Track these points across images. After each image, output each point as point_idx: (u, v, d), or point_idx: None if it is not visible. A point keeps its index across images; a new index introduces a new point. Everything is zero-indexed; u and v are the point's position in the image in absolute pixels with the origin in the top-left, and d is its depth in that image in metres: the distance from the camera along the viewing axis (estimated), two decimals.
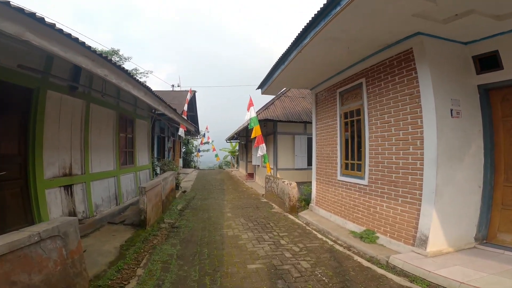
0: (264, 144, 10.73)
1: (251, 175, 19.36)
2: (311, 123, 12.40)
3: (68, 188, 5.20)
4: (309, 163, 12.76)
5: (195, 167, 28.41)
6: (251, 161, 20.38)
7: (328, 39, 4.82)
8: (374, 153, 5.29)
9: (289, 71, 6.67)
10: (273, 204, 9.16)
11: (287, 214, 7.85)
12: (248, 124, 11.35)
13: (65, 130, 5.19)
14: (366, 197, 5.54)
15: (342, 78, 6.57)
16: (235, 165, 28.76)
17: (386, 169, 4.95)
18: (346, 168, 6.40)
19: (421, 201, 4.23)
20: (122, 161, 7.54)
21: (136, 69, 24.83)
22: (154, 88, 24.13)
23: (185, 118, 13.09)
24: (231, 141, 26.78)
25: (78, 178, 5.48)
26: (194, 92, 22.24)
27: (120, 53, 22.39)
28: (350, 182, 6.14)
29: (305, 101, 13.57)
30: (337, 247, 5.22)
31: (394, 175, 4.76)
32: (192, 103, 22.88)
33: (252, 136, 10.72)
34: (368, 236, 5.21)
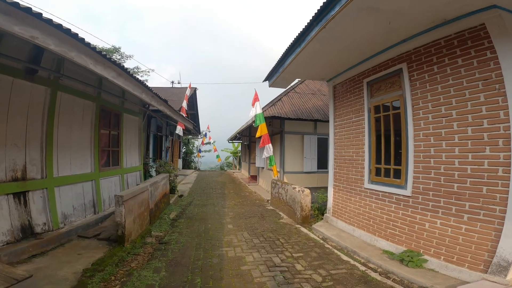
0: (270, 145, 9.50)
1: (254, 178, 18.15)
2: (323, 121, 11.20)
3: (21, 196, 4.00)
4: (320, 166, 11.54)
5: (195, 168, 27.23)
6: (255, 163, 19.18)
7: (365, 9, 3.65)
8: (423, 156, 4.04)
9: (305, 56, 5.48)
10: (280, 213, 7.92)
11: (299, 226, 6.61)
12: (253, 121, 10.14)
13: (17, 123, 4.00)
14: (407, 210, 4.30)
15: (372, 64, 5.35)
16: (237, 167, 27.54)
17: (442, 177, 3.71)
18: (377, 174, 5.17)
19: (503, 219, 3.03)
20: (104, 162, 6.35)
21: (137, 67, 24.04)
22: (156, 87, 23.06)
23: (184, 115, 11.90)
24: (233, 141, 25.58)
25: (36, 183, 4.28)
26: (195, 88, 21.07)
27: (122, 50, 21.48)
28: (383, 192, 4.90)
29: (316, 97, 12.33)
30: (372, 273, 4.00)
31: (456, 184, 3.51)
32: (193, 101, 21.73)
33: (257, 135, 9.50)
34: (412, 259, 4.00)
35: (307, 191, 6.85)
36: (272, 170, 10.23)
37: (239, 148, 26.94)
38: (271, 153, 9.42)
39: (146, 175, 10.55)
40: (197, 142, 29.47)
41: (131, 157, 7.95)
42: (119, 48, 22.08)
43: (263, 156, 9.61)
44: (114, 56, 21.78)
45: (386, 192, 4.80)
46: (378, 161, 5.16)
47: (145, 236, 5.44)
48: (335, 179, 6.65)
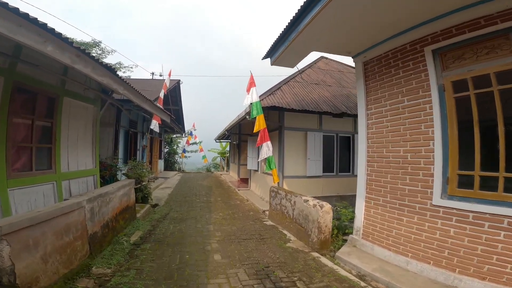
0: (269, 142, 7.53)
1: (244, 181, 16.10)
2: (329, 114, 9.27)
3: None
4: (326, 169, 9.64)
5: (179, 169, 24.88)
6: (245, 164, 17.13)
7: None
8: None
9: (331, 14, 3.66)
10: (285, 232, 5.92)
11: (317, 254, 4.64)
12: (247, 113, 8.13)
13: None
14: None
15: (443, 26, 3.51)
16: (225, 168, 25.39)
17: None
18: (464, 185, 3.27)
19: None
20: (21, 164, 4.17)
21: (120, 63, 21.90)
22: (132, 79, 20.51)
23: (160, 106, 9.73)
24: (221, 140, 23.44)
25: None
26: (178, 81, 18.80)
27: (103, 45, 19.29)
28: (478, 213, 3.00)
29: (320, 88, 10.43)
30: None
31: None
32: (176, 95, 19.48)
33: (255, 129, 7.51)
34: None
35: (327, 206, 4.87)
36: (271, 174, 8.26)
37: (227, 148, 24.81)
38: (270, 153, 7.43)
39: (112, 179, 8.33)
40: (182, 142, 27.10)
41: (78, 158, 5.75)
42: (100, 42, 19.78)
43: (261, 157, 7.62)
44: (94, 51, 19.33)
45: (486, 214, 2.91)
46: (465, 165, 3.25)
47: (75, 277, 3.34)
48: (368, 189, 4.72)
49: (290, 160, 9.14)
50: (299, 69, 11.25)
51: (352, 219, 5.27)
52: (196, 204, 9.12)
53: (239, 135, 17.46)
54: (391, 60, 4.38)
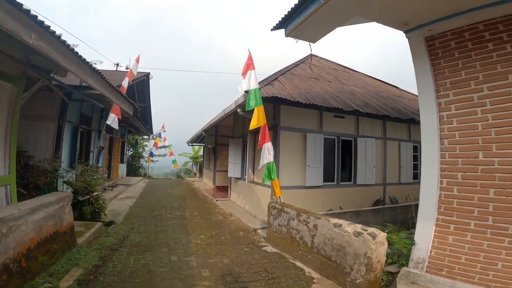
0: (270, 144, 5.85)
1: (221, 190, 14.20)
2: (340, 112, 7.74)
3: None
4: (326, 178, 8.13)
5: (145, 175, 22.17)
6: (222, 171, 15.24)
7: None
8: None
9: None
10: (298, 264, 4.21)
11: None
12: (242, 104, 6.39)
13: None
14: None
15: None
16: (197, 174, 23.13)
17: None
18: None
19: None
20: None
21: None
22: None
23: (121, 93, 7.60)
24: (194, 144, 21.25)
25: None
26: (148, 74, 16.49)
27: (63, 38, 16.21)
28: None
29: (321, 83, 8.99)
30: None
31: None
32: (144, 90, 17.12)
33: (252, 125, 5.78)
34: None
35: (381, 236, 3.26)
36: (267, 186, 6.57)
37: (201, 152, 22.64)
38: (271, 158, 5.74)
39: (49, 188, 6.07)
40: (150, 144, 24.36)
41: None
42: (61, 35, 16.71)
43: (262, 163, 5.89)
44: None
45: None
46: None
47: None
48: (444, 208, 3.21)
49: (286, 167, 7.49)
50: (295, 61, 9.76)
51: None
52: (167, 221, 7.08)
53: (215, 138, 15.56)
54: (486, 33, 2.97)
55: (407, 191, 9.49)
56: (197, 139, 18.61)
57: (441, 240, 3.27)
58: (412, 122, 9.63)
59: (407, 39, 3.84)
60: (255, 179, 8.83)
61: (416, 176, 9.94)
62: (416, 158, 9.95)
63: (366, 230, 3.32)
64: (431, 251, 3.31)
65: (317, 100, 7.09)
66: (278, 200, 5.67)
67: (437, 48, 3.49)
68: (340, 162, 8.42)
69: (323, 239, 3.89)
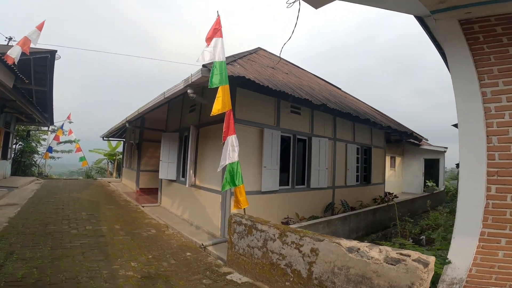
0: (235, 137, 4.54)
1: (148, 193, 12.06)
2: (299, 102, 6.84)
3: None
4: (282, 181, 7.22)
5: (40, 174, 17.58)
6: (150, 171, 12.96)
7: None
8: None
9: None
10: None
11: None
12: (193, 84, 4.88)
13: None
14: None
15: None
16: (114, 174, 19.60)
17: None
18: None
19: None
20: None
21: None
22: None
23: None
24: (111, 139, 17.88)
25: None
26: (54, 52, 12.79)
27: None
28: None
29: (280, 74, 8.02)
30: None
31: None
32: (46, 71, 13.25)
33: (215, 111, 4.34)
34: None
35: (432, 260, 2.36)
36: (215, 192, 5.26)
37: (120, 149, 19.28)
38: (236, 156, 4.43)
39: None
40: (50, 138, 19.44)
41: None
42: None
43: (223, 163, 4.49)
44: None
45: None
46: None
47: None
48: (490, 219, 2.61)
49: (241, 168, 6.23)
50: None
51: None
52: (72, 241, 4.96)
53: (141, 132, 13.16)
54: None
55: (353, 194, 9.42)
56: (116, 133, 15.59)
57: (487, 256, 2.72)
58: (360, 122, 9.65)
59: (434, 20, 3.17)
60: (198, 183, 7.31)
61: (358, 178, 10.01)
62: (358, 160, 10.03)
63: (407, 256, 2.40)
64: (470, 270, 2.64)
65: (286, 88, 6.09)
66: (244, 214, 4.38)
67: (477, 32, 3.02)
68: (295, 164, 7.63)
69: (329, 268, 2.81)
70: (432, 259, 2.34)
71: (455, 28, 3.06)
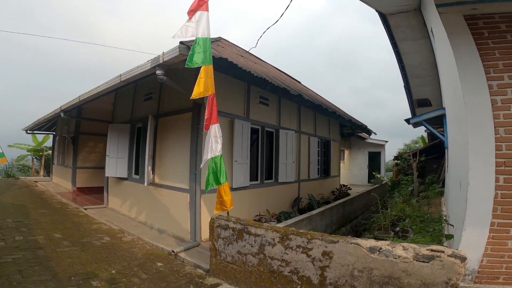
0: (218, 126, 3.98)
1: (88, 193, 10.58)
2: (276, 91, 6.44)
3: None
4: (252, 176, 6.84)
5: None
6: (87, 168, 11.30)
7: None
8: None
9: None
10: None
11: None
12: (175, 57, 4.13)
13: None
14: None
15: None
16: (41, 172, 16.71)
17: None
18: None
19: None
20: None
21: None
22: None
23: None
24: (37, 132, 15.15)
25: None
26: None
27: None
28: None
29: (249, 62, 7.52)
30: None
31: None
32: None
33: (196, 94, 3.66)
34: None
35: (464, 254, 2.24)
36: (182, 190, 4.65)
37: (48, 143, 16.51)
38: (219, 149, 3.89)
39: None
40: None
41: None
42: None
43: (205, 157, 3.87)
44: None
45: None
46: None
47: None
48: (499, 209, 2.76)
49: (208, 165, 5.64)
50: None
51: None
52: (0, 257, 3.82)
53: (77, 123, 11.38)
54: None
55: (315, 187, 9.54)
56: (44, 125, 13.25)
57: (497, 246, 2.78)
58: (325, 115, 9.77)
59: (439, 14, 3.10)
60: (158, 181, 6.48)
61: (318, 171, 10.20)
62: (319, 153, 10.21)
63: (441, 252, 2.26)
64: (482, 260, 2.67)
65: (264, 76, 5.66)
66: (229, 216, 3.87)
67: (482, 28, 3.05)
68: (264, 157, 7.32)
69: (347, 272, 2.54)
70: (462, 252, 2.23)
71: (461, 23, 3.08)
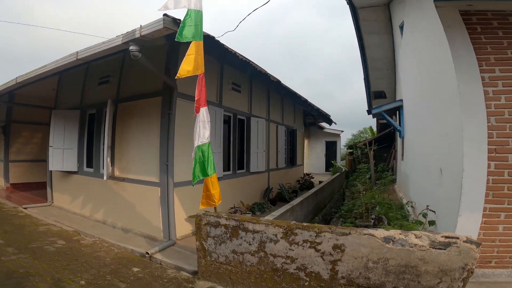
0: (207, 109, 3.56)
1: (23, 189, 9.22)
2: (257, 77, 6.08)
3: None
4: (226, 166, 6.51)
5: None
6: (23, 160, 9.71)
7: None
8: None
9: None
10: None
11: None
12: (156, 30, 3.52)
13: None
14: None
15: None
16: None
17: None
18: None
19: None
20: None
21: None
22: None
23: None
24: None
25: None
26: None
27: None
28: None
29: None
30: None
31: None
32: None
33: (183, 72, 3.18)
34: None
35: (474, 239, 2.29)
36: (150, 183, 4.16)
37: None
38: (207, 135, 3.49)
39: None
40: None
41: None
42: None
43: (198, 143, 3.41)
44: None
45: None
46: None
47: None
48: (491, 195, 2.92)
49: (181, 155, 5.17)
50: None
51: None
52: None
53: (9, 110, 9.63)
54: None
55: (283, 176, 9.54)
56: None
57: (489, 231, 2.94)
58: (290, 102, 9.68)
59: (436, 7, 3.12)
60: (119, 174, 5.76)
61: (285, 160, 10.22)
62: (285, 142, 10.21)
63: (456, 238, 2.27)
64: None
65: (247, 58, 5.28)
66: (218, 212, 3.52)
67: (475, 23, 3.16)
68: (236, 146, 7.01)
69: (361, 264, 2.44)
70: (474, 239, 2.28)
71: (457, 17, 3.17)
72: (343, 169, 13.68)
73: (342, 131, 17.54)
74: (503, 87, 2.96)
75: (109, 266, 3.53)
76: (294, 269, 2.70)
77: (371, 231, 2.47)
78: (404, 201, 6.66)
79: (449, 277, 2.28)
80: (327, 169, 16.42)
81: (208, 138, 3.47)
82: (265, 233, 2.84)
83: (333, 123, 13.24)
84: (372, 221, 4.71)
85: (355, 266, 2.47)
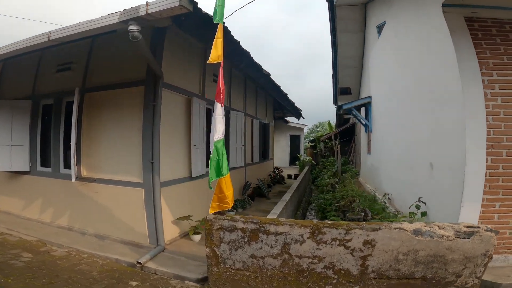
0: (220, 106, 3.28)
1: None
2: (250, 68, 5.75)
3: None
4: (207, 162, 6.16)
5: None
6: None
7: None
8: None
9: None
10: None
11: None
12: (181, 11, 3.09)
13: None
14: None
15: None
16: None
17: None
18: None
19: None
20: None
21: None
22: None
23: None
24: None
25: None
26: None
27: None
28: None
29: None
30: None
31: None
32: None
33: (214, 58, 2.93)
34: None
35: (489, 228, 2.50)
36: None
37: None
38: (222, 131, 3.22)
39: None
40: None
41: None
42: None
43: (214, 139, 3.10)
44: None
45: None
46: None
47: None
48: (488, 186, 3.23)
49: (168, 149, 4.77)
50: None
51: None
52: None
53: None
54: None
55: (257, 171, 9.46)
56: None
57: (486, 220, 3.20)
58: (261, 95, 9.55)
59: (443, 12, 3.31)
60: (86, 173, 5.10)
61: (259, 155, 10.13)
62: (259, 136, 10.12)
63: (477, 227, 2.47)
64: None
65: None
66: (233, 215, 3.29)
67: (477, 30, 3.44)
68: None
69: (391, 257, 2.47)
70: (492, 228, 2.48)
71: (462, 23, 3.42)
72: (310, 163, 14.10)
73: (305, 125, 18.05)
74: (499, 89, 3.30)
75: (101, 282, 3.06)
76: (321, 268, 2.63)
77: (399, 225, 2.52)
78: (376, 194, 7.05)
79: (472, 263, 2.44)
80: (291, 163, 16.78)
81: (223, 133, 3.20)
82: (290, 234, 2.71)
83: (301, 117, 13.52)
84: (362, 214, 4.87)
85: (385, 259, 2.49)
